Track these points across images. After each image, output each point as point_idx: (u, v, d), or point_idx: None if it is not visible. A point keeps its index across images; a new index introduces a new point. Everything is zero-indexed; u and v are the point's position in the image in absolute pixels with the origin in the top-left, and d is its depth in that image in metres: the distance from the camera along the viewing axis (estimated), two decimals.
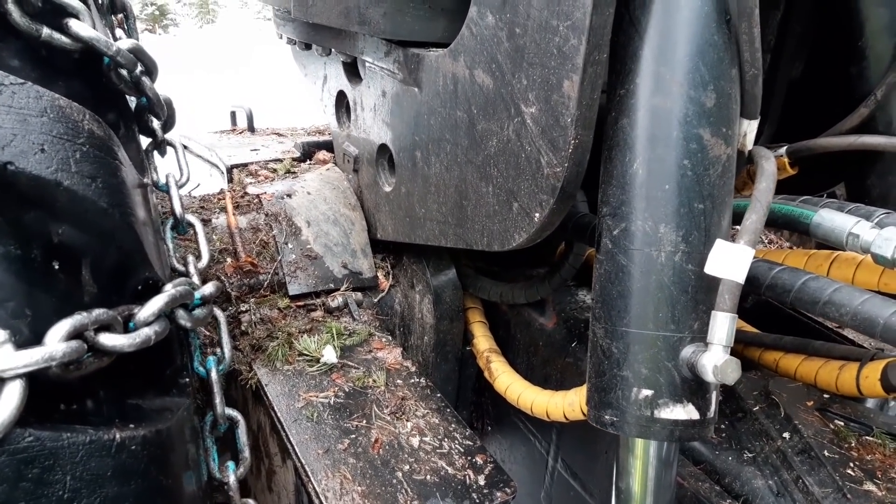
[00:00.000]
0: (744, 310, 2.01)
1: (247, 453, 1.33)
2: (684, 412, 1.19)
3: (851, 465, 1.32)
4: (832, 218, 1.34)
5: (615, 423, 1.23)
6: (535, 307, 2.04)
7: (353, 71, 2.08)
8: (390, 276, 2.08)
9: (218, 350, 1.38)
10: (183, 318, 1.15)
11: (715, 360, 1.12)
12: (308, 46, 2.25)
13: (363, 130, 2.05)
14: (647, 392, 1.20)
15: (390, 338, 1.87)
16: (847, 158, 1.61)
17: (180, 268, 1.31)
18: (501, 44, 1.36)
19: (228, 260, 1.87)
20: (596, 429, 1.37)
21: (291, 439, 1.48)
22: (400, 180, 1.86)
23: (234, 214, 1.94)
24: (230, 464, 1.32)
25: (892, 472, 1.33)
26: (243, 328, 1.78)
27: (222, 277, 1.84)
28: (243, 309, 1.82)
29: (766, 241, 2.62)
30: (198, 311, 1.15)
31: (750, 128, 1.26)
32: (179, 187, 1.37)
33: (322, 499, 1.33)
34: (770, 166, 1.25)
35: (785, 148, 1.62)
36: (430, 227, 1.75)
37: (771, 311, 2.07)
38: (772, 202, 1.50)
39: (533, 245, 1.81)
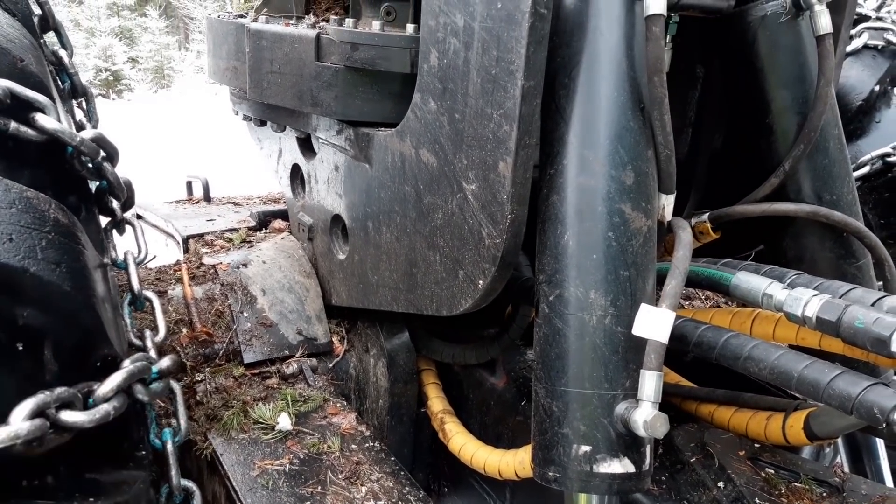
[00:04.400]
0: (684, 364, 2.13)
1: None
2: (621, 466, 1.27)
3: None
4: (748, 280, 1.47)
5: (558, 479, 1.31)
6: (486, 367, 2.12)
7: (307, 146, 2.18)
8: (345, 340, 2.14)
9: (174, 421, 1.41)
10: (140, 392, 1.19)
11: (645, 415, 1.21)
12: (263, 123, 2.35)
13: (317, 201, 2.14)
14: (585, 448, 1.27)
15: (345, 403, 1.91)
16: (764, 223, 1.76)
17: (137, 342, 1.35)
18: (443, 127, 1.48)
19: (184, 330, 1.91)
20: (546, 489, 1.44)
21: None
22: (353, 248, 1.94)
23: (189, 285, 1.99)
24: None
25: None
26: (198, 398, 1.81)
27: (178, 348, 1.88)
28: (198, 378, 1.85)
29: (704, 296, 2.77)
30: (155, 385, 1.19)
31: (667, 201, 1.39)
32: (137, 264, 1.43)
33: None
34: (686, 236, 1.37)
35: (707, 214, 1.76)
36: (383, 293, 1.83)
37: (710, 365, 2.18)
38: (696, 265, 1.64)
39: (483, 310, 1.91)
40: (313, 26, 1.91)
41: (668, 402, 1.83)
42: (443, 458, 2.28)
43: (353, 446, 1.72)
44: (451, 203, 1.49)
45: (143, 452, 1.26)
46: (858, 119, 2.42)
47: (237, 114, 2.45)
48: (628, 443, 1.27)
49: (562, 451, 1.30)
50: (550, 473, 1.32)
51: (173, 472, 1.33)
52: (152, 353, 1.34)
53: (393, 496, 1.57)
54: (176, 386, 1.40)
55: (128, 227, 1.47)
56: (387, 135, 1.68)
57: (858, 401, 1.16)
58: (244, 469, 1.61)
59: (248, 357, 1.95)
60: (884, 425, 1.13)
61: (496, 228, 1.38)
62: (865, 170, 2.37)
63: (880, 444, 1.76)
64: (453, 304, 1.57)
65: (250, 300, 2.04)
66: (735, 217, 1.72)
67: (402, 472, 1.65)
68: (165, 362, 1.23)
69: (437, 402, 2.10)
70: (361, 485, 1.59)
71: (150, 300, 1.46)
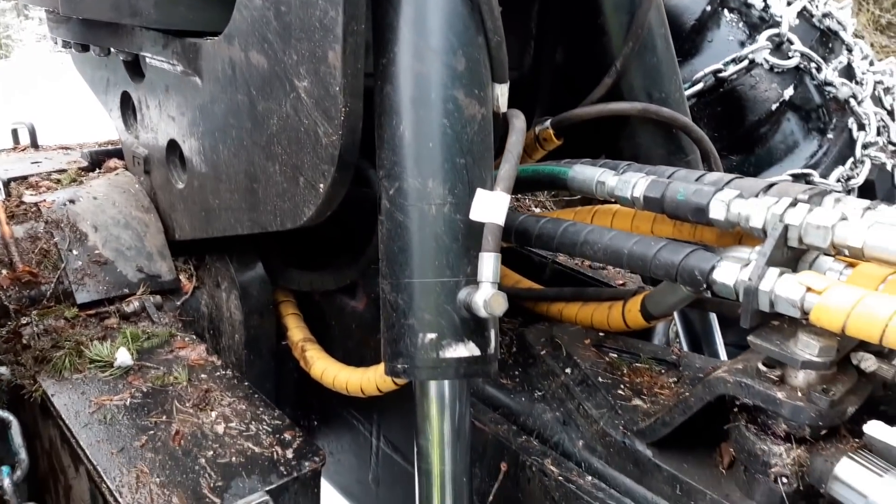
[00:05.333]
0: (542, 279, 2.19)
1: (23, 455, 1.23)
2: (466, 350, 1.28)
3: (622, 387, 1.48)
4: (584, 171, 1.52)
5: (406, 369, 1.30)
6: (346, 292, 2.07)
7: (134, 69, 2.01)
8: (194, 277, 2.03)
9: None
10: None
11: (485, 295, 1.22)
12: (85, 48, 2.14)
13: (151, 129, 1.98)
14: (431, 336, 1.27)
15: (194, 337, 1.81)
16: (603, 126, 1.81)
17: None
18: (270, 23, 1.40)
19: (3, 272, 1.72)
20: (410, 400, 1.43)
21: (81, 444, 1.39)
22: (192, 175, 1.82)
23: (7, 224, 1.80)
24: (4, 468, 1.22)
25: (657, 389, 1.51)
26: (25, 341, 1.65)
27: None
28: (24, 322, 1.69)
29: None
30: None
31: (501, 91, 1.39)
32: None
33: (116, 495, 1.27)
34: (520, 123, 1.39)
35: (549, 120, 1.79)
36: (226, 217, 1.74)
37: (566, 277, 2.26)
38: (538, 165, 1.67)
39: (337, 229, 1.85)
40: None
41: (522, 306, 1.88)
42: (310, 391, 2.23)
43: (202, 376, 1.64)
44: (286, 105, 1.42)
45: None
46: (692, 38, 2.55)
47: (56, 42, 2.21)
48: (472, 327, 1.28)
49: (409, 342, 1.29)
50: (399, 366, 1.30)
51: None
52: None
53: (245, 417, 1.51)
54: None
55: None
56: (215, 41, 1.58)
57: (681, 266, 1.22)
58: (79, 407, 1.50)
59: (82, 297, 1.80)
60: (704, 286, 1.21)
61: (331, 125, 1.32)
62: (699, 86, 2.51)
63: (715, 326, 1.89)
64: (297, 215, 1.51)
65: (80, 237, 1.87)
66: (574, 120, 1.76)
67: (256, 395, 1.59)
68: None
69: (297, 332, 2.04)
70: (211, 410, 1.52)
71: None
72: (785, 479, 1.09)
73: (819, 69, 2.49)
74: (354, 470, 2.17)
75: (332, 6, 1.24)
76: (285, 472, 1.36)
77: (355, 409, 2.15)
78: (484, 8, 1.29)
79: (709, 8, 2.55)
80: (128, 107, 2.13)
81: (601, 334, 1.67)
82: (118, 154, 2.37)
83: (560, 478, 1.36)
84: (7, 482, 1.20)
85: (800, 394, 1.09)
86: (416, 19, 1.29)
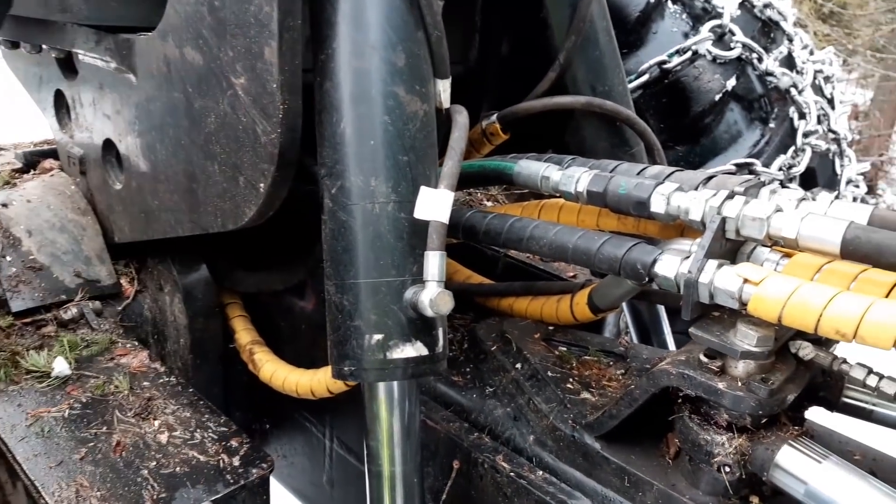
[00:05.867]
0: (495, 274, 2.19)
1: None
2: (414, 350, 1.26)
3: (571, 380, 1.49)
4: (529, 166, 1.51)
5: (353, 372, 1.28)
6: (295, 292, 2.04)
7: (67, 66, 1.93)
8: (136, 281, 1.96)
9: None
10: None
11: (431, 294, 1.20)
12: (16, 45, 2.05)
13: (86, 129, 1.91)
14: (378, 337, 1.25)
15: (136, 343, 1.76)
16: (548, 120, 1.81)
17: None
18: (204, 18, 1.35)
19: None
20: (362, 400, 1.41)
21: (18, 458, 1.34)
22: (129, 175, 1.76)
23: None
24: None
25: (605, 381, 1.52)
26: None
27: None
28: None
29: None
30: None
31: (444, 86, 1.37)
32: None
33: None
34: (462, 119, 1.38)
35: (495, 115, 1.79)
36: (166, 219, 1.69)
37: (518, 272, 2.26)
38: (484, 160, 1.66)
39: (284, 229, 1.81)
40: None
41: (473, 301, 1.87)
42: (261, 394, 2.19)
43: (144, 383, 1.59)
44: (223, 103, 1.38)
45: None
46: (636, 30, 2.57)
47: None
48: (419, 326, 1.26)
49: (355, 344, 1.27)
50: (346, 368, 1.29)
51: None
52: None
53: (190, 425, 1.47)
54: None
55: None
56: (148, 37, 1.52)
57: (624, 260, 1.23)
58: (14, 420, 1.44)
59: (17, 305, 1.72)
60: (647, 279, 1.22)
61: (270, 123, 1.29)
62: (645, 78, 2.53)
63: (664, 317, 1.91)
64: (238, 216, 1.47)
65: (14, 243, 1.80)
66: (520, 114, 1.76)
67: (202, 402, 1.55)
68: None
69: (244, 335, 2.00)
70: (154, 419, 1.48)
71: None
72: (728, 468, 1.11)
73: (760, 59, 2.54)
74: (308, 472, 2.14)
75: (266, 1, 1.21)
76: (232, 481, 1.33)
77: (307, 412, 2.12)
78: (423, 3, 1.27)
79: (653, 0, 2.58)
80: (61, 105, 2.04)
81: (551, 328, 1.67)
82: (54, 154, 2.28)
83: (512, 474, 1.36)
84: None
85: (740, 383, 1.10)
86: (354, 14, 1.26)
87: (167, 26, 1.46)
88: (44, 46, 1.94)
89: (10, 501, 1.47)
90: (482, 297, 1.84)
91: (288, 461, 2.25)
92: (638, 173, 1.39)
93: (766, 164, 2.49)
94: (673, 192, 1.23)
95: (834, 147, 2.73)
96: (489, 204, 2.78)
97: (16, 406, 1.48)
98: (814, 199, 1.21)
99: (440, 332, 1.30)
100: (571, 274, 2.18)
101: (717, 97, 2.49)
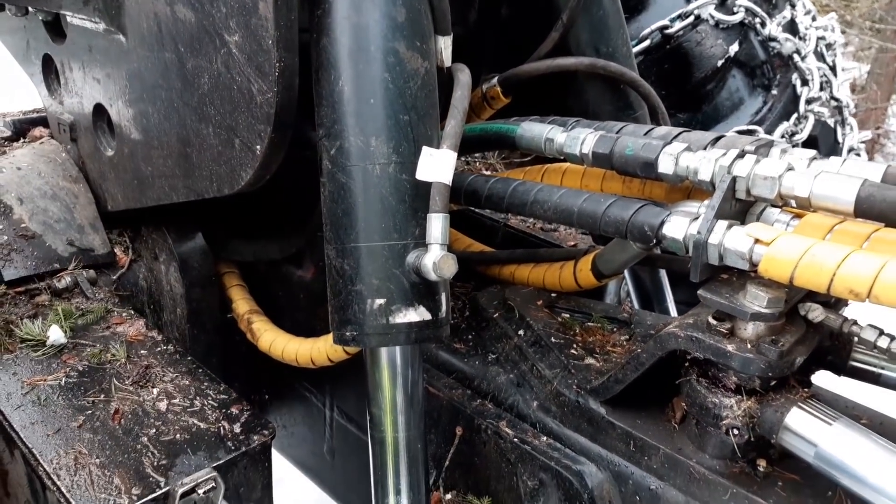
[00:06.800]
0: (494, 243, 2.16)
1: None
2: (417, 314, 1.24)
3: (575, 346, 1.47)
4: (532, 128, 1.48)
5: (356, 337, 1.26)
6: (293, 261, 2.01)
7: (55, 30, 1.87)
8: (130, 250, 1.93)
9: None
10: None
11: (434, 257, 1.18)
12: (1, 7, 1.99)
13: (75, 94, 1.86)
14: (380, 301, 1.23)
15: (133, 312, 1.73)
16: (551, 84, 1.77)
17: None
18: None
19: None
20: (363, 369, 1.39)
21: (15, 426, 1.31)
22: (121, 141, 1.72)
23: None
24: None
25: (609, 347, 1.50)
26: None
27: None
28: None
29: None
30: None
31: (445, 44, 1.33)
32: None
33: (55, 478, 1.21)
34: (465, 77, 1.34)
35: (496, 77, 1.74)
36: (160, 185, 1.65)
37: (518, 240, 2.23)
38: (486, 123, 1.62)
39: (281, 196, 1.78)
40: None
41: (474, 270, 1.85)
42: (259, 364, 2.17)
43: (142, 352, 1.56)
44: (217, 62, 1.33)
45: None
46: None
47: None
48: (422, 291, 1.24)
49: (357, 309, 1.24)
50: (348, 333, 1.26)
51: None
52: None
53: (189, 393, 1.45)
54: None
55: None
56: None
57: (631, 222, 1.20)
58: (10, 389, 1.41)
59: (9, 273, 1.69)
60: (654, 242, 1.19)
61: (265, 81, 1.25)
62: (646, 43, 2.49)
63: (666, 284, 1.90)
64: (234, 180, 1.43)
65: (5, 211, 1.76)
66: (522, 76, 1.71)
67: (201, 370, 1.53)
68: None
69: (242, 304, 1.98)
70: (153, 387, 1.45)
71: None
72: (736, 431, 1.09)
73: (763, 24, 2.50)
74: (309, 442, 2.13)
75: None
76: (233, 447, 1.31)
77: (307, 381, 2.10)
78: None
79: None
80: (50, 70, 1.99)
81: (553, 295, 1.65)
82: (44, 122, 2.23)
83: (515, 439, 1.35)
84: None
85: (749, 346, 1.09)
86: None
87: None
88: (30, 9, 1.88)
89: (7, 470, 1.45)
90: (483, 264, 1.82)
91: (288, 431, 2.24)
92: (644, 134, 1.35)
93: (769, 132, 2.46)
94: (681, 153, 1.20)
95: (836, 115, 2.70)
96: (487, 173, 2.74)
97: (11, 374, 1.45)
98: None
99: (443, 296, 1.28)
100: (572, 243, 2.16)
101: (720, 63, 2.45)
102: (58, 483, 1.20)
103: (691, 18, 2.42)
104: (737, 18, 2.43)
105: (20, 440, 1.30)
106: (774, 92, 2.53)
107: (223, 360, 2.03)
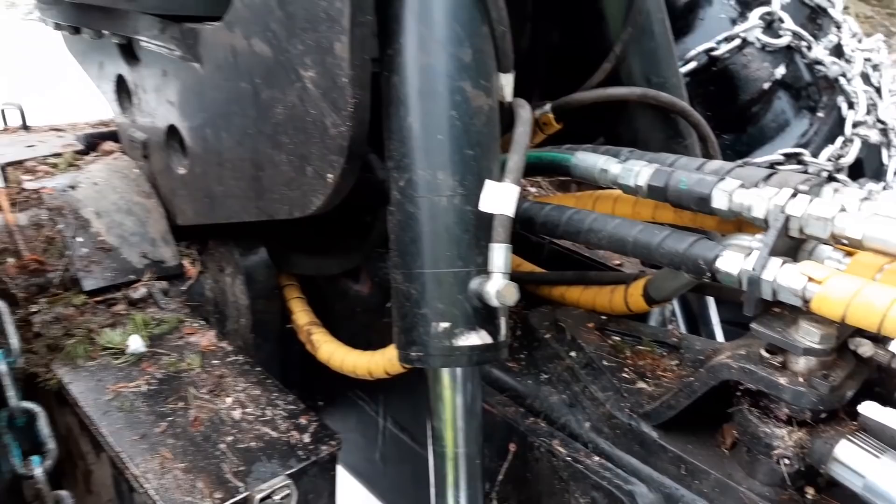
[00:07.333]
0: (541, 260, 2.23)
1: (52, 445, 1.26)
2: (478, 338, 1.31)
3: (626, 370, 1.53)
4: (586, 158, 1.54)
5: (421, 357, 1.33)
6: (350, 276, 2.10)
7: (129, 53, 1.99)
8: (197, 262, 2.04)
9: (5, 342, 1.29)
10: None
11: (497, 286, 1.25)
12: (77, 30, 2.11)
13: (148, 114, 1.98)
14: (444, 325, 1.31)
15: (203, 322, 1.83)
16: (601, 111, 1.84)
17: None
18: (273, 11, 1.39)
19: (10, 260, 1.72)
20: (417, 381, 1.46)
21: (102, 431, 1.42)
22: (193, 161, 1.83)
23: (10, 212, 1.79)
24: (35, 458, 1.25)
25: (659, 371, 1.56)
26: (36, 330, 1.66)
27: (5, 279, 1.70)
28: (34, 310, 1.70)
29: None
30: None
31: (506, 80, 1.41)
32: None
33: (142, 480, 1.30)
34: (526, 113, 1.41)
35: (549, 105, 1.81)
36: (231, 205, 1.75)
37: (563, 259, 2.29)
38: (540, 151, 1.69)
39: (341, 215, 1.87)
40: None
41: (524, 289, 1.91)
42: (315, 372, 2.27)
43: (214, 361, 1.66)
44: (291, 94, 1.43)
45: None
46: (685, 17, 2.55)
47: (45, 23, 2.18)
48: (483, 315, 1.31)
49: (422, 331, 1.32)
50: (413, 354, 1.34)
51: (10, 393, 1.22)
52: None
53: (261, 402, 1.54)
54: (1, 303, 1.27)
55: None
56: (215, 28, 1.57)
57: (685, 255, 1.26)
58: (96, 395, 1.52)
59: (89, 284, 1.80)
60: (708, 274, 1.25)
61: (339, 116, 1.33)
62: (692, 65, 2.52)
63: (712, 307, 1.94)
64: (305, 204, 1.52)
65: (84, 224, 1.88)
66: (574, 105, 1.78)
67: (269, 380, 1.62)
68: None
69: (302, 316, 2.07)
70: (227, 396, 1.55)
71: None
72: (787, 461, 1.14)
73: (809, 48, 2.51)
74: (361, 449, 2.22)
75: None
76: (304, 456, 1.40)
77: (361, 390, 2.19)
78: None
79: None
80: (123, 90, 2.11)
81: (603, 317, 1.71)
82: (112, 137, 2.36)
83: (568, 458, 1.41)
84: (39, 471, 1.24)
85: (801, 379, 1.14)
86: (421, 10, 1.29)
87: (234, 17, 1.51)
88: (104, 32, 2.00)
89: (92, 470, 1.56)
90: (534, 284, 1.88)
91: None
92: (697, 168, 1.40)
93: (814, 154, 2.48)
94: (735, 189, 1.26)
95: (882, 138, 2.70)
96: (533, 190, 2.80)
97: (96, 381, 1.56)
98: (874, 197, 1.22)
99: (503, 321, 1.35)
100: (618, 262, 2.21)
101: (766, 86, 2.47)
102: (145, 486, 1.30)
103: (738, 41, 2.45)
104: (783, 42, 2.46)
105: (108, 444, 1.41)
106: (820, 114, 2.54)
107: (283, 368, 2.13)
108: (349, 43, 1.25)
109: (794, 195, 1.19)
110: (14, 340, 1.28)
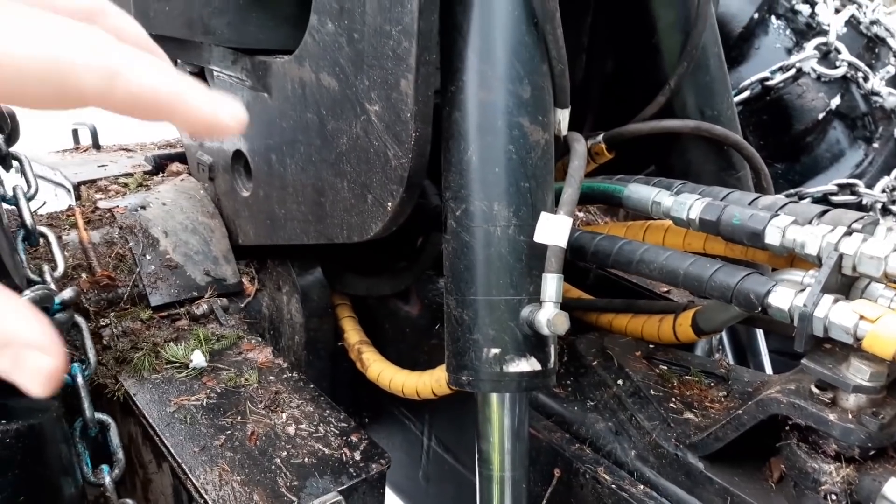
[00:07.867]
0: (587, 285, 2.26)
1: (120, 455, 1.34)
2: (528, 365, 1.35)
3: (673, 399, 1.55)
4: (639, 190, 1.57)
5: (471, 381, 1.38)
6: (400, 297, 2.16)
7: (201, 80, 2.10)
8: (255, 280, 2.12)
9: (82, 355, 1.38)
10: None
11: (548, 315, 1.29)
12: None
13: (216, 139, 2.08)
14: (495, 351, 1.35)
15: (260, 339, 1.91)
16: (654, 141, 1.86)
17: (36, 278, 1.30)
18: (342, 48, 1.47)
19: (83, 276, 1.84)
20: (462, 403, 1.51)
21: (166, 442, 1.49)
22: (257, 184, 1.92)
23: (85, 229, 1.91)
24: (104, 466, 1.33)
25: (707, 402, 1.57)
26: (105, 342, 1.76)
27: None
28: (103, 324, 1.80)
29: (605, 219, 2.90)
30: (59, 316, 1.16)
31: (563, 115, 1.45)
32: (28, 199, 1.36)
33: (202, 491, 1.37)
34: (581, 147, 1.45)
35: (602, 135, 1.85)
36: (292, 227, 1.83)
37: (608, 284, 2.32)
38: (592, 182, 1.73)
39: (393, 238, 1.93)
40: None
41: (571, 316, 1.94)
42: (362, 389, 2.33)
43: (270, 378, 1.73)
44: (356, 126, 1.50)
45: None
46: (739, 46, 2.57)
47: None
48: (534, 343, 1.35)
49: (473, 356, 1.37)
50: (464, 378, 1.38)
51: (85, 405, 1.31)
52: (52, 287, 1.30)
53: (314, 419, 1.60)
54: (81, 320, 1.36)
55: (14, 163, 1.40)
56: (285, 61, 1.66)
57: (737, 289, 1.28)
58: (160, 406, 1.60)
59: (155, 300, 1.90)
60: (759, 309, 1.26)
61: (401, 148, 1.40)
62: (746, 94, 2.53)
63: (760, 337, 1.94)
64: (364, 230, 1.59)
65: (152, 242, 1.98)
66: (627, 136, 1.81)
67: (322, 398, 1.68)
68: (68, 293, 1.20)
69: (353, 335, 2.14)
70: (282, 412, 1.61)
71: (45, 235, 1.40)
72: (834, 497, 1.15)
73: (866, 79, 2.50)
74: (405, 466, 2.27)
75: (405, 37, 1.31)
76: (355, 474, 1.45)
77: (406, 409, 2.24)
78: (549, 38, 1.35)
79: (756, 15, 2.57)
80: None
81: (651, 346, 1.73)
82: (180, 158, 2.48)
83: (613, 486, 1.43)
84: (108, 480, 1.31)
85: (850, 416, 1.14)
86: (483, 49, 1.35)
87: (304, 52, 1.59)
88: (178, 61, 2.12)
89: (151, 479, 1.64)
90: (581, 311, 1.91)
91: None
92: (750, 203, 1.42)
93: (869, 186, 2.45)
94: (788, 226, 1.27)
95: None
96: (581, 214, 2.83)
97: (160, 393, 1.64)
98: None
99: (552, 349, 1.39)
100: (665, 289, 2.22)
101: (821, 116, 2.46)
102: (205, 497, 1.37)
103: (793, 71, 2.45)
104: (839, 73, 2.45)
105: (170, 455, 1.48)
106: (876, 145, 2.52)
107: (333, 384, 2.19)
108: (414, 80, 1.31)
109: (848, 233, 1.20)
110: (91, 354, 1.36)
